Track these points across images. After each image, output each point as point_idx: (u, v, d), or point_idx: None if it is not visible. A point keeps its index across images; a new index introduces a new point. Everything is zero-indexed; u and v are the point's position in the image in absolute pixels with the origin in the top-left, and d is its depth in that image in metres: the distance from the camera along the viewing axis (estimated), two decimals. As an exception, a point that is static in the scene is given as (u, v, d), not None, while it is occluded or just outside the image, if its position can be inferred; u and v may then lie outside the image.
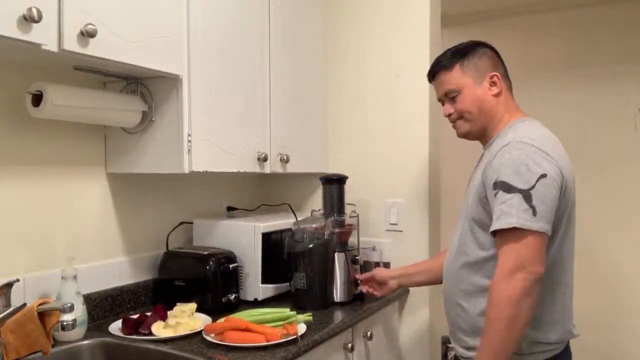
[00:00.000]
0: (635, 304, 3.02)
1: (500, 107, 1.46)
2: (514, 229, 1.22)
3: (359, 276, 1.88)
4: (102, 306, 1.66)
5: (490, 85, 1.45)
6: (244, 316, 1.56)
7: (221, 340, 1.42)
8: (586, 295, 2.96)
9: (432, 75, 1.54)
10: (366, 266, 2.10)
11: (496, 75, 1.45)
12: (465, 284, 1.42)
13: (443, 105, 1.54)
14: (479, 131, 1.49)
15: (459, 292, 1.44)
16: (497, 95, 1.45)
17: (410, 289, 2.13)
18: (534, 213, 1.22)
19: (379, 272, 1.86)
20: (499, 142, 1.38)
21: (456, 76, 1.47)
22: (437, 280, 1.70)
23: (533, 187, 1.23)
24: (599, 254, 3.09)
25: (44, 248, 1.53)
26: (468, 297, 1.41)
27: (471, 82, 1.46)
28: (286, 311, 1.57)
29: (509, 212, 1.23)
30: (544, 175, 1.24)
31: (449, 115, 1.52)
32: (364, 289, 1.85)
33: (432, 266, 1.77)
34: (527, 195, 1.23)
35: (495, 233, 1.28)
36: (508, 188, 1.25)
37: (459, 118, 1.49)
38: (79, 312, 1.41)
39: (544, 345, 1.33)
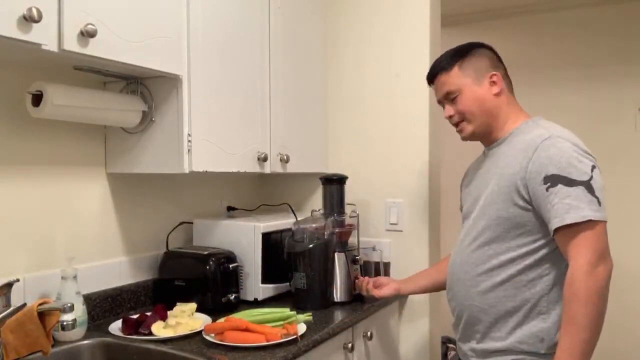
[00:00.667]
0: (635, 301, 3.02)
1: (503, 106, 1.45)
2: (587, 221, 1.21)
3: (362, 279, 1.86)
4: (102, 306, 1.66)
5: (490, 84, 1.45)
6: (244, 316, 1.56)
7: (221, 340, 1.42)
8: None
9: (431, 77, 1.53)
10: (366, 266, 2.10)
11: (496, 75, 1.45)
12: (483, 286, 1.39)
13: (443, 107, 1.53)
14: (483, 131, 1.47)
15: (475, 294, 1.41)
16: (498, 94, 1.45)
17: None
18: (599, 203, 1.23)
19: (382, 277, 1.90)
20: (522, 139, 1.36)
21: (455, 77, 1.46)
22: (439, 286, 1.71)
23: (591, 177, 1.23)
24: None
25: (44, 248, 1.53)
26: (485, 296, 1.39)
27: (471, 82, 1.45)
28: (286, 311, 1.57)
29: (577, 205, 1.21)
30: (594, 166, 1.26)
31: (450, 117, 1.50)
32: (363, 285, 1.82)
33: (434, 272, 1.78)
34: (589, 186, 1.22)
35: (558, 228, 1.24)
36: (568, 181, 1.23)
37: (461, 120, 1.48)
38: (79, 312, 1.41)
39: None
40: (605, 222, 1.24)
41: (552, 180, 1.24)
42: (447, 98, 1.49)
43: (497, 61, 1.50)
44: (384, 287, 1.80)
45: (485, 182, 1.44)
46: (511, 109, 1.46)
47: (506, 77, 1.50)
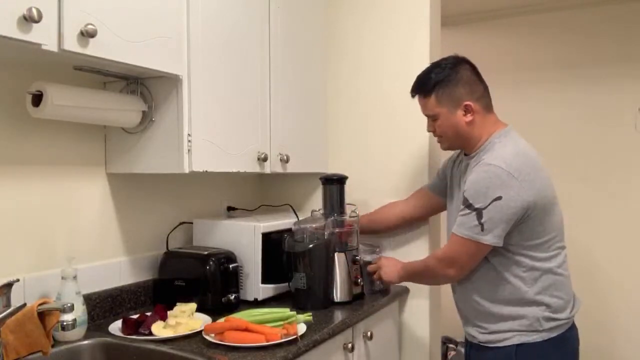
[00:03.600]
0: (636, 302, 3.02)
1: (475, 131, 1.63)
2: (463, 237, 1.53)
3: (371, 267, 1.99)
4: (102, 306, 1.66)
5: (465, 113, 1.61)
6: (244, 316, 1.56)
7: (221, 340, 1.42)
8: (585, 293, 2.97)
9: (413, 93, 1.72)
10: (367, 266, 2.10)
11: (469, 105, 1.61)
12: (476, 283, 1.64)
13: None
14: (459, 147, 1.72)
15: (472, 289, 1.64)
16: (470, 122, 1.61)
17: (411, 289, 2.13)
18: (482, 229, 1.49)
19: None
20: (478, 159, 1.59)
21: (433, 105, 1.65)
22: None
23: (486, 206, 1.48)
24: (599, 252, 3.09)
25: (44, 248, 1.53)
26: (481, 292, 1.63)
27: (446, 111, 1.63)
28: (286, 311, 1.57)
29: (463, 223, 1.53)
30: (498, 198, 1.47)
31: (431, 132, 1.73)
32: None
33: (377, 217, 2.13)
34: (479, 213, 1.49)
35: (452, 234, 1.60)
36: (468, 205, 1.52)
37: (439, 136, 1.70)
38: (79, 312, 1.41)
39: (557, 322, 1.56)
40: (484, 244, 1.51)
41: (463, 200, 1.54)
42: (427, 116, 1.71)
43: (474, 83, 1.63)
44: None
45: (457, 189, 1.70)
46: (482, 129, 1.63)
47: (483, 96, 1.64)
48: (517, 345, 1.55)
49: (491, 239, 1.49)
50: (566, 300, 1.59)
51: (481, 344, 1.64)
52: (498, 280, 1.58)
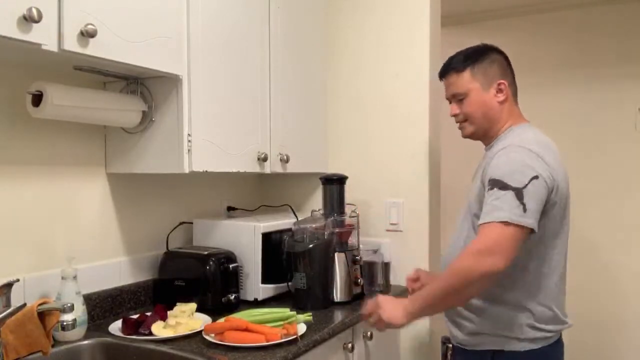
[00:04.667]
0: (637, 302, 3.02)
1: (503, 114, 1.54)
2: (503, 222, 1.30)
3: (412, 286, 1.72)
4: (102, 306, 1.66)
5: (497, 92, 1.53)
6: (244, 316, 1.56)
7: (221, 340, 1.42)
8: (585, 293, 2.97)
9: (443, 74, 1.61)
10: (367, 266, 2.10)
11: (503, 83, 1.53)
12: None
13: (450, 103, 1.61)
14: (482, 133, 1.58)
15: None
16: (502, 102, 1.53)
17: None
18: (525, 210, 1.31)
19: (425, 275, 1.75)
20: (498, 145, 1.48)
21: (465, 80, 1.54)
22: None
23: (525, 186, 1.32)
24: (599, 252, 3.09)
25: (44, 248, 1.53)
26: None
27: (479, 87, 1.53)
28: (286, 311, 1.57)
29: (501, 207, 1.31)
30: (536, 177, 1.33)
31: (454, 115, 1.59)
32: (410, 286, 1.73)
33: None
34: (519, 193, 1.31)
35: (479, 225, 1.36)
36: (502, 186, 1.33)
37: (464, 120, 1.57)
38: (79, 312, 1.41)
39: (541, 332, 1.44)
40: (526, 228, 1.30)
41: (492, 183, 1.35)
42: (454, 97, 1.58)
43: (507, 68, 1.57)
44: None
45: (475, 183, 1.53)
46: (509, 116, 1.54)
47: (513, 84, 1.57)
48: (495, 351, 1.45)
49: (533, 221, 1.31)
50: (555, 313, 1.46)
51: (460, 345, 1.55)
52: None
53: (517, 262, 1.35)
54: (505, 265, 1.29)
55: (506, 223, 1.29)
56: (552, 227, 1.42)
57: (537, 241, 1.40)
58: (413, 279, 1.72)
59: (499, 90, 1.53)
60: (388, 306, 1.43)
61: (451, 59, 1.59)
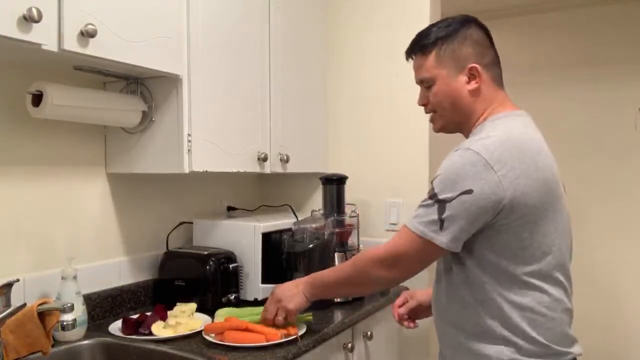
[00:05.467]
0: (637, 302, 3.02)
1: (478, 104, 1.29)
2: (417, 233, 1.20)
3: (398, 311, 1.57)
4: (102, 306, 1.66)
5: (469, 78, 1.28)
6: (244, 312, 1.55)
7: (221, 340, 1.42)
8: (585, 293, 2.97)
9: (409, 53, 1.38)
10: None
11: (475, 68, 1.27)
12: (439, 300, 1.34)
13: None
14: (454, 128, 1.36)
15: (437, 309, 1.35)
16: (474, 91, 1.28)
17: (411, 289, 2.12)
18: (441, 227, 1.16)
19: (420, 297, 1.58)
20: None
21: (431, 64, 1.31)
22: None
23: (451, 200, 1.15)
24: (599, 252, 3.09)
25: (44, 248, 1.53)
26: (440, 311, 1.32)
27: (445, 74, 1.29)
28: None
29: (421, 216, 1.20)
30: (468, 192, 1.14)
31: (423, 105, 1.38)
32: (405, 324, 1.55)
33: None
34: (442, 207, 1.16)
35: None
36: (432, 194, 1.19)
37: (433, 111, 1.36)
38: (79, 312, 1.41)
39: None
40: (437, 247, 1.17)
41: (431, 187, 1.21)
42: (422, 83, 1.36)
43: (485, 47, 1.31)
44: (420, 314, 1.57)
45: None
46: (488, 104, 1.29)
47: (492, 65, 1.32)
48: None
49: (447, 241, 1.16)
50: (546, 345, 1.18)
51: None
52: (463, 304, 1.24)
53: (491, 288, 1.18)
54: (399, 281, 1.31)
55: (419, 235, 1.18)
56: (511, 247, 1.17)
57: (516, 262, 1.17)
58: (399, 305, 1.58)
59: (471, 76, 1.28)
60: (287, 294, 1.43)
61: (419, 35, 1.35)
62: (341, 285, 1.38)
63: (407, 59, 1.40)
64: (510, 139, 1.18)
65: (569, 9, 3.16)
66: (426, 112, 1.38)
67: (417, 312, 1.56)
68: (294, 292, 1.42)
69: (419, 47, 1.34)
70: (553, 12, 3.20)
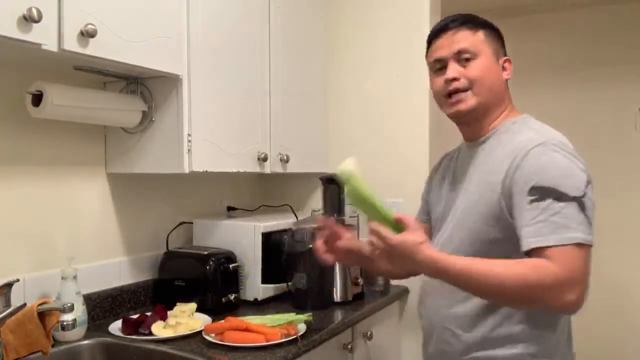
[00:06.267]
0: (633, 301, 3.02)
1: (506, 97, 1.26)
2: (575, 244, 1.03)
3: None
4: (102, 306, 1.66)
5: (503, 69, 1.26)
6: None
7: (221, 340, 1.42)
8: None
9: (445, 29, 1.24)
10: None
11: (508, 61, 1.27)
12: (460, 307, 1.20)
13: (441, 69, 1.24)
14: (482, 111, 1.23)
15: (449, 316, 1.22)
16: (506, 82, 1.26)
17: (411, 289, 2.13)
18: (590, 224, 1.05)
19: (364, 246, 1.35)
20: (510, 139, 1.18)
21: (479, 39, 1.22)
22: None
23: (584, 194, 1.05)
24: (599, 253, 3.08)
25: (44, 248, 1.53)
26: (462, 322, 1.20)
27: (491, 54, 1.23)
28: (292, 316, 1.57)
29: (566, 224, 1.03)
30: (589, 182, 1.08)
31: (452, 81, 1.21)
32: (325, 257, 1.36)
33: None
34: (581, 203, 1.04)
35: (536, 249, 1.04)
36: (559, 196, 1.04)
37: (465, 89, 1.21)
38: (79, 312, 1.41)
39: None
40: (591, 247, 1.06)
41: (540, 192, 1.05)
42: (457, 57, 1.22)
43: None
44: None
45: (463, 186, 1.25)
46: (509, 103, 1.28)
47: None
48: None
49: (593, 241, 1.06)
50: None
51: None
52: (482, 307, 1.16)
53: None
54: (580, 306, 1.04)
55: (579, 245, 1.03)
56: None
57: None
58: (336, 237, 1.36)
59: (504, 68, 1.26)
60: (407, 251, 1.09)
61: (459, 15, 1.26)
62: (484, 292, 1.10)
63: (437, 36, 1.26)
64: (566, 140, 1.17)
65: (569, 9, 3.16)
66: (452, 89, 1.22)
67: (348, 255, 1.38)
68: (407, 261, 1.10)
69: (464, 22, 1.24)
70: (553, 12, 3.20)
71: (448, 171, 1.37)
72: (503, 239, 1.14)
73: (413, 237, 1.10)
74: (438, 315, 1.25)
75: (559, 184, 1.05)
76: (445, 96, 1.24)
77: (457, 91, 1.21)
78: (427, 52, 1.31)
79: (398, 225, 1.13)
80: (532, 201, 1.06)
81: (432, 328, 1.27)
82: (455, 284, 1.10)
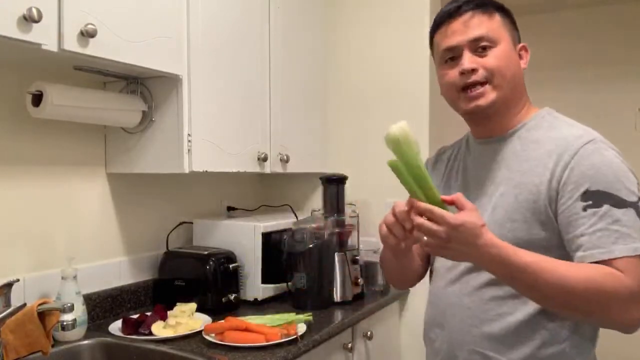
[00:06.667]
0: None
1: (524, 90, 1.14)
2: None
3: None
4: (102, 306, 1.66)
5: (519, 57, 1.13)
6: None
7: (221, 340, 1.42)
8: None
9: (456, 12, 1.09)
10: (367, 266, 2.10)
11: (525, 48, 1.14)
12: (495, 325, 1.05)
13: (451, 59, 1.10)
14: (502, 106, 1.09)
15: (480, 336, 1.06)
16: (523, 71, 1.14)
17: (411, 289, 2.13)
18: None
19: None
20: (548, 136, 1.06)
21: (497, 25, 1.08)
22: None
23: (639, 198, 0.96)
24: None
25: (44, 248, 1.53)
26: (498, 343, 1.04)
27: (509, 41, 1.10)
28: (292, 316, 1.57)
29: (629, 233, 0.93)
30: (639, 183, 0.99)
31: (470, 72, 1.06)
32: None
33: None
34: (637, 209, 0.95)
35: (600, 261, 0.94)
36: (618, 202, 0.94)
37: (484, 82, 1.07)
38: (79, 312, 1.41)
39: None
40: None
41: (596, 197, 0.95)
42: (474, 45, 1.07)
43: None
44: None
45: (485, 190, 1.10)
46: (526, 95, 1.15)
47: None
48: None
49: None
50: None
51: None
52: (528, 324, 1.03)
53: None
54: None
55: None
56: None
57: None
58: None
59: (520, 57, 1.13)
60: (463, 239, 0.92)
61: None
62: (546, 295, 0.95)
63: (449, 19, 1.10)
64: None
65: (569, 9, 3.16)
66: (469, 81, 1.07)
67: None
68: (467, 246, 0.93)
69: (482, 3, 1.09)
70: (553, 12, 3.20)
71: (453, 171, 1.22)
72: (552, 247, 1.00)
73: (474, 217, 0.93)
74: (464, 336, 1.08)
75: (616, 189, 0.95)
76: (460, 90, 1.09)
77: (475, 84, 1.07)
78: (432, 39, 1.16)
79: (445, 207, 0.95)
80: (587, 207, 0.96)
81: (454, 353, 1.09)
82: (513, 279, 0.95)
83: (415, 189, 0.97)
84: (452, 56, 1.10)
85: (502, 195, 1.06)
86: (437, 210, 0.93)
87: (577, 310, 0.95)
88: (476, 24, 1.07)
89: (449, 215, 0.92)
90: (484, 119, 1.13)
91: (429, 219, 0.93)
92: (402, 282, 1.35)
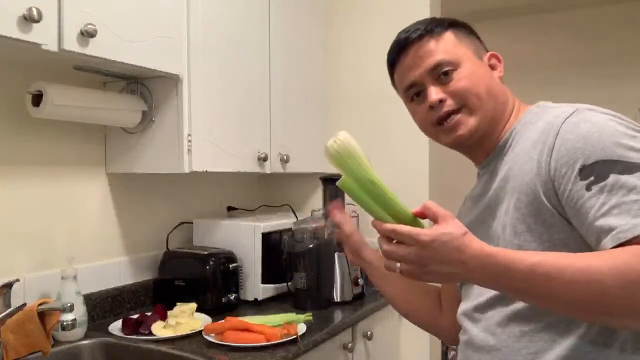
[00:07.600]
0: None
1: (507, 93, 1.02)
2: None
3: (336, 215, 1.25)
4: (102, 306, 1.66)
5: (491, 67, 1.03)
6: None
7: (221, 340, 1.42)
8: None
9: (406, 44, 1.02)
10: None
11: (496, 56, 1.04)
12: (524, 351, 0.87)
13: (418, 94, 1.02)
14: (487, 126, 0.98)
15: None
16: (501, 79, 1.03)
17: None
18: None
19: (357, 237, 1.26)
20: (533, 129, 0.93)
21: (450, 44, 0.99)
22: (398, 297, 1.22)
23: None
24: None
25: (44, 248, 1.53)
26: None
27: (472, 55, 1.00)
28: (292, 316, 1.57)
29: (630, 210, 0.74)
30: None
31: (438, 103, 0.97)
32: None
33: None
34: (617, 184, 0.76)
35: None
36: (625, 167, 0.76)
37: (457, 110, 0.97)
38: (79, 312, 1.41)
39: None
40: None
41: (597, 170, 0.78)
42: (434, 75, 0.98)
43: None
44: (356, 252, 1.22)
45: (498, 208, 0.95)
46: (514, 99, 1.04)
47: None
48: None
49: None
50: None
51: None
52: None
53: None
54: None
55: None
56: None
57: None
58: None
59: (492, 66, 1.02)
60: (438, 258, 0.77)
61: (412, 26, 1.04)
62: (570, 300, 0.73)
63: (397, 57, 1.06)
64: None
65: (569, 9, 3.16)
66: (443, 114, 0.98)
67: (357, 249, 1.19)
68: (450, 264, 0.77)
69: (425, 30, 1.00)
70: (553, 12, 3.20)
71: (471, 204, 1.08)
72: (573, 249, 0.80)
73: (451, 227, 0.76)
74: None
75: (618, 153, 0.78)
76: (436, 124, 1.00)
77: (448, 115, 0.98)
78: (392, 79, 1.11)
79: (417, 223, 0.81)
80: (590, 185, 0.78)
81: None
82: (523, 291, 0.77)
83: (376, 209, 0.83)
84: (417, 92, 1.03)
85: (506, 211, 0.92)
86: (401, 228, 0.78)
87: (618, 311, 0.72)
88: (429, 52, 0.99)
89: (417, 231, 0.77)
90: (474, 147, 1.03)
91: (398, 242, 0.79)
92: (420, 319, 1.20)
